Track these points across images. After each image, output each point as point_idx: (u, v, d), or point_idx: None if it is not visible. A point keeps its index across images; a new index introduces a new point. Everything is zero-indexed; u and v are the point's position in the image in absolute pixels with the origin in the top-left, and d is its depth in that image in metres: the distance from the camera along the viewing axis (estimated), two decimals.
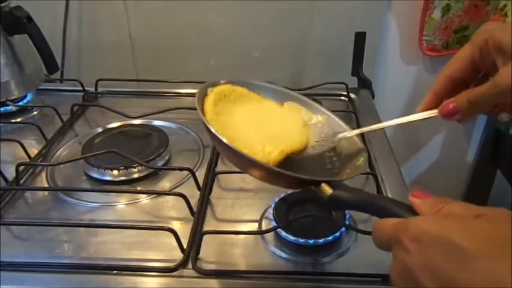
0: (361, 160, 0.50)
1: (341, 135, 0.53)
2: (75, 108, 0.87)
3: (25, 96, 0.92)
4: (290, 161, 0.50)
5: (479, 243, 0.29)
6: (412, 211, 0.36)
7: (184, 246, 0.55)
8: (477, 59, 0.42)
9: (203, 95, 0.52)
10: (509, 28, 0.40)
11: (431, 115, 0.45)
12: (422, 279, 0.31)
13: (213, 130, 0.46)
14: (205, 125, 0.47)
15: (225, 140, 0.45)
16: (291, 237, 0.56)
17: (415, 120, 0.46)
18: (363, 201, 0.41)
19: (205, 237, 0.56)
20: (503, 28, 0.40)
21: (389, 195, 0.65)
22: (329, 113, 0.57)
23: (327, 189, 0.42)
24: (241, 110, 0.53)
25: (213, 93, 0.52)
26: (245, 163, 0.46)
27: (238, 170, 0.67)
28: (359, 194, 0.42)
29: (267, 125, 0.53)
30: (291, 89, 0.61)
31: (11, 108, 0.88)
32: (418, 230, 0.32)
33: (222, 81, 0.54)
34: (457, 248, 0.29)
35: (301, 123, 0.56)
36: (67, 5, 1.02)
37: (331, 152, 0.54)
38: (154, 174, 0.70)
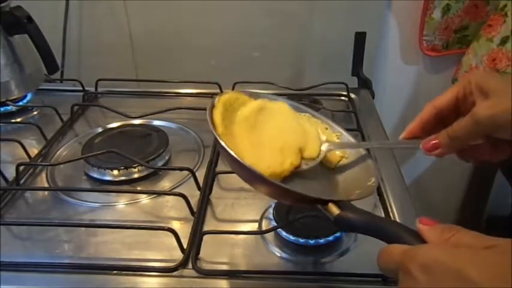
0: (372, 181, 0.50)
1: (325, 147, 0.53)
2: (75, 108, 0.87)
3: (25, 96, 0.92)
4: (299, 177, 0.50)
5: (489, 276, 0.29)
6: (420, 238, 0.35)
7: (184, 246, 0.55)
8: (460, 97, 0.45)
9: (211, 107, 0.51)
10: (493, 75, 0.43)
11: (413, 146, 0.48)
12: None
13: (223, 145, 0.45)
14: (216, 139, 0.47)
15: (235, 155, 0.44)
16: (291, 237, 0.56)
17: (397, 147, 0.48)
18: (370, 224, 0.41)
19: (205, 237, 0.56)
20: (487, 74, 0.46)
21: (390, 195, 0.65)
22: (342, 130, 0.57)
23: (334, 210, 0.42)
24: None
25: (220, 104, 0.52)
26: (254, 178, 0.46)
27: None
28: (366, 217, 0.41)
29: (277, 133, 0.53)
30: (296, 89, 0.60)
31: (11, 108, 0.88)
32: (428, 258, 0.31)
33: (228, 91, 0.54)
34: (467, 279, 0.29)
35: (314, 133, 0.55)
36: (67, 5, 1.02)
37: (341, 169, 0.54)
38: (154, 174, 0.70)
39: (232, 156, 0.44)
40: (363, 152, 0.54)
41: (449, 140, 0.45)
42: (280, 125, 0.54)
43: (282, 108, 0.56)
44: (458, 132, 0.44)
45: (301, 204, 0.48)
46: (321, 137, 0.55)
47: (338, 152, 0.55)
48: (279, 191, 0.45)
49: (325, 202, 0.43)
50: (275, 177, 0.47)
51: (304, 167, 0.51)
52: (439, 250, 0.32)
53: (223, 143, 0.45)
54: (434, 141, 0.46)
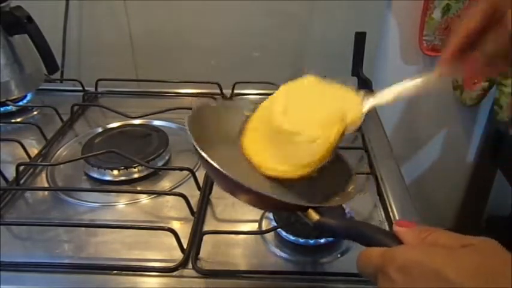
0: (351, 187, 0.49)
1: (367, 104, 0.50)
2: (75, 108, 0.87)
3: (25, 96, 0.92)
4: (277, 183, 0.49)
5: (466, 275, 0.29)
6: (398, 240, 0.35)
7: (184, 246, 0.55)
8: (489, 14, 0.42)
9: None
10: None
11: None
12: None
13: (197, 147, 0.44)
14: (195, 148, 0.46)
15: (206, 157, 0.43)
16: (291, 237, 0.56)
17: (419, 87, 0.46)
18: (349, 229, 0.41)
19: (205, 237, 0.56)
20: None
21: (390, 195, 0.65)
22: None
23: (314, 215, 0.42)
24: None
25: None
26: (230, 185, 0.44)
27: None
28: (345, 222, 0.42)
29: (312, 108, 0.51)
30: None
31: (11, 108, 0.88)
32: (405, 259, 0.31)
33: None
34: (444, 279, 0.29)
35: (350, 95, 0.52)
36: (67, 5, 1.02)
37: (320, 174, 0.51)
38: (154, 174, 0.70)
39: (207, 163, 0.43)
40: (341, 155, 0.53)
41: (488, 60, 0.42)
42: (311, 100, 0.51)
43: (308, 82, 0.53)
44: (500, 49, 0.41)
45: (280, 211, 0.48)
46: (359, 96, 0.51)
47: None
48: (257, 197, 0.43)
49: (304, 208, 0.43)
50: (323, 154, 0.46)
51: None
52: (416, 251, 0.32)
53: (198, 148, 0.44)
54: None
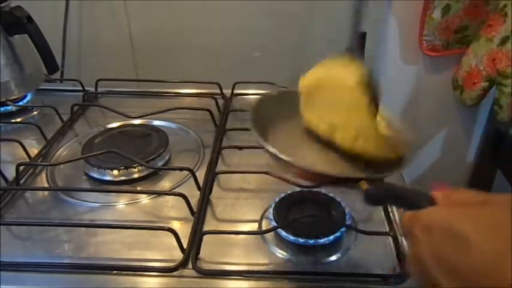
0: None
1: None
2: (75, 108, 0.87)
3: (25, 96, 0.92)
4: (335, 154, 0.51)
5: (479, 229, 0.30)
6: (433, 202, 0.37)
7: (184, 246, 0.55)
8: None
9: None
10: None
11: None
12: (431, 267, 0.32)
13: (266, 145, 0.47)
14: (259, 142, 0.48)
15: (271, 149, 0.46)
16: (291, 237, 0.56)
17: None
18: (392, 195, 0.43)
19: (205, 237, 0.56)
20: None
21: None
22: None
23: (364, 185, 0.44)
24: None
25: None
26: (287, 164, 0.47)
27: (238, 170, 0.68)
28: (390, 189, 0.43)
29: None
30: None
31: (11, 108, 0.88)
32: (427, 220, 0.34)
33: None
34: (459, 235, 0.30)
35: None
36: (67, 5, 1.02)
37: None
38: (154, 174, 0.70)
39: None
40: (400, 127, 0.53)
41: None
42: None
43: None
44: None
45: (337, 185, 0.49)
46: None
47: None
48: (312, 173, 0.46)
49: (357, 180, 0.44)
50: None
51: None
52: (437, 211, 0.34)
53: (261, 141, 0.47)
54: None
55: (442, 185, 0.38)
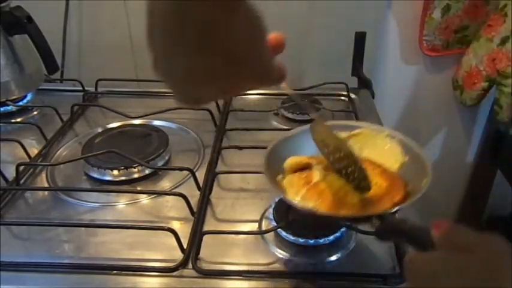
0: (425, 181, 0.50)
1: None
2: (75, 108, 0.87)
3: (25, 96, 0.92)
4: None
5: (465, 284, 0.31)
6: (433, 245, 0.38)
7: (184, 246, 0.55)
8: None
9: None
10: None
11: None
12: None
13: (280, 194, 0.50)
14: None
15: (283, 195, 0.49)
16: (291, 237, 0.56)
17: None
18: (399, 235, 0.43)
19: (205, 237, 0.56)
20: None
21: None
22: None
23: (375, 222, 0.44)
24: None
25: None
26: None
27: (238, 170, 0.68)
28: (397, 227, 0.43)
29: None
30: None
31: (11, 108, 0.88)
32: (418, 265, 0.35)
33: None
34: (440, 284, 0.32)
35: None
36: (67, 5, 1.02)
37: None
38: (154, 174, 0.70)
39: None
40: (419, 153, 0.55)
41: None
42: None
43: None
44: None
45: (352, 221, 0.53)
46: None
47: (400, 157, 0.56)
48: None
49: (369, 218, 0.45)
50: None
51: None
52: (432, 259, 0.35)
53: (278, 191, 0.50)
54: None
55: (442, 223, 0.38)
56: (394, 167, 0.56)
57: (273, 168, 0.53)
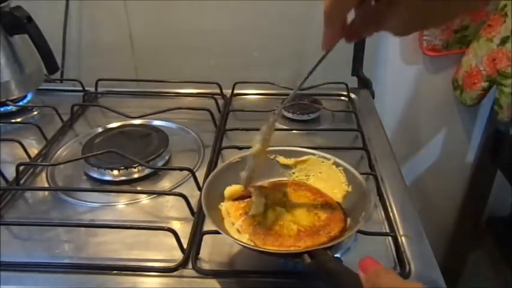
0: (362, 215, 0.51)
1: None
2: (75, 108, 0.87)
3: (25, 96, 0.92)
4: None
5: None
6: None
7: (184, 246, 0.55)
8: None
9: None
10: None
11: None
12: None
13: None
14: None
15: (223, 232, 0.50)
16: None
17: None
18: (326, 274, 0.43)
19: (205, 237, 0.56)
20: None
21: (390, 195, 0.65)
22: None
23: (306, 259, 0.45)
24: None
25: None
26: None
27: None
28: (325, 267, 0.43)
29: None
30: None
31: (11, 108, 0.88)
32: None
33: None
34: None
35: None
36: (67, 5, 1.02)
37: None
38: (154, 174, 0.70)
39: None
40: (361, 183, 0.55)
41: (326, 15, 0.45)
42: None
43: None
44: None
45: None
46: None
47: (344, 186, 0.57)
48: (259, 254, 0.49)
49: (299, 254, 0.46)
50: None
51: None
52: None
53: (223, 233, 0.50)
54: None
55: (366, 261, 0.39)
56: (338, 196, 0.57)
57: (215, 195, 0.55)
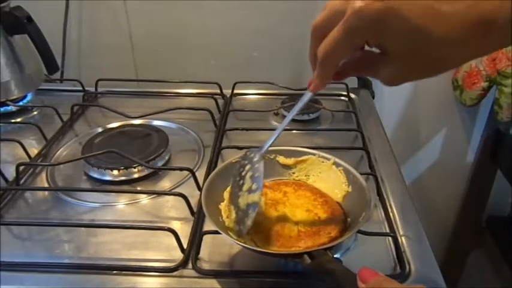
0: (363, 215, 0.50)
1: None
2: (75, 108, 0.87)
3: (25, 96, 0.92)
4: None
5: None
6: None
7: (184, 246, 0.55)
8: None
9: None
10: None
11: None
12: None
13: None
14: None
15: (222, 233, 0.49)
16: None
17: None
18: (326, 275, 0.43)
19: (205, 237, 0.56)
20: None
21: (390, 195, 0.65)
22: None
23: (306, 259, 0.45)
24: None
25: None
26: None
27: None
28: (325, 268, 0.43)
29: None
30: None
31: (11, 108, 0.88)
32: None
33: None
34: None
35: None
36: (67, 5, 1.02)
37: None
38: (154, 174, 0.70)
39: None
40: (362, 183, 0.55)
41: (322, 60, 0.44)
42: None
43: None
44: (330, 45, 0.42)
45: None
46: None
47: (344, 186, 0.57)
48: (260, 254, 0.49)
49: (299, 255, 0.46)
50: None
51: None
52: None
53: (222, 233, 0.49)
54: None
55: (364, 272, 0.39)
56: (338, 196, 0.57)
57: (215, 195, 0.55)
